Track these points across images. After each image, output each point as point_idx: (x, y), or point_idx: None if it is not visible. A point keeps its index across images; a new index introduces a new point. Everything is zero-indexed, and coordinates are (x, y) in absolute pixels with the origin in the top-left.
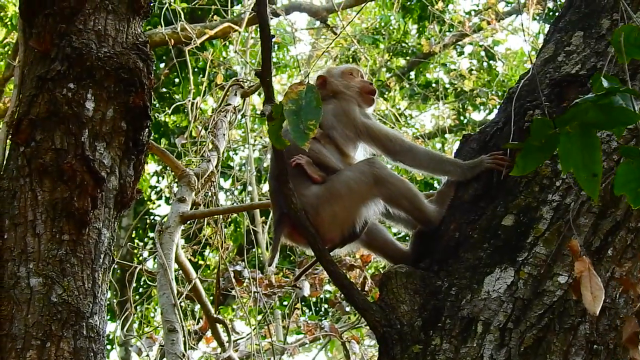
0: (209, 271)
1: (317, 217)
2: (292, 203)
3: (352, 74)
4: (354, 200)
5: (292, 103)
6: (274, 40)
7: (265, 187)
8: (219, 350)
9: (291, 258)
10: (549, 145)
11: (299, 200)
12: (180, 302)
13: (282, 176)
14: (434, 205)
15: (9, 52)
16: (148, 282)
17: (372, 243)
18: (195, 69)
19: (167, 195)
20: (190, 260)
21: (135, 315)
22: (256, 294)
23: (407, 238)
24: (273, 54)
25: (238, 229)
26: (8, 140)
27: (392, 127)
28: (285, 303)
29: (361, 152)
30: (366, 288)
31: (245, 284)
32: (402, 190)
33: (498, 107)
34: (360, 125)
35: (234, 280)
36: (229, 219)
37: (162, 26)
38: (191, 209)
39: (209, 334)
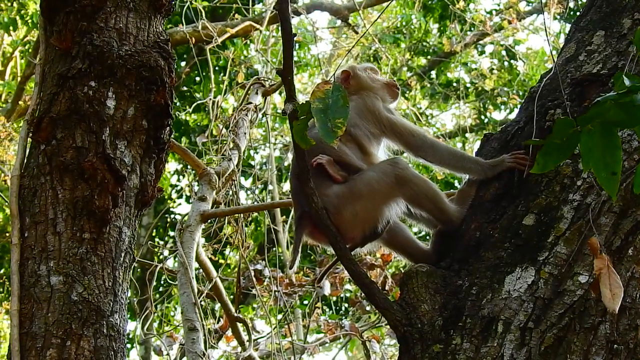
0: (229, 270)
1: (338, 217)
2: (313, 202)
3: (373, 70)
4: (375, 200)
5: (319, 102)
6: (295, 38)
7: (286, 186)
8: (239, 349)
9: (312, 257)
10: (570, 144)
11: (321, 199)
12: (201, 301)
13: (304, 175)
14: (455, 205)
15: (30, 50)
16: (168, 280)
17: (393, 242)
18: (216, 68)
19: (188, 193)
20: (210, 259)
21: (156, 314)
22: (277, 292)
23: (428, 237)
24: (294, 53)
25: (259, 228)
26: (29, 139)
27: None
28: (305, 302)
29: (383, 150)
30: (387, 287)
31: (265, 283)
32: (424, 191)
33: (519, 106)
34: (385, 120)
35: (254, 279)
36: (250, 218)
37: (183, 24)
38: (212, 207)
39: (229, 332)
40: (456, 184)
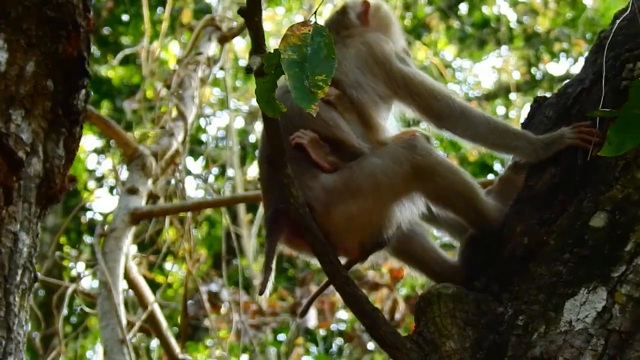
0: (171, 292)
1: (327, 218)
2: (291, 196)
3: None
4: (381, 197)
5: (293, 51)
6: None
7: (253, 172)
8: None
9: (289, 272)
10: None
11: (303, 192)
12: (131, 337)
13: (278, 157)
14: (493, 200)
15: None
16: (85, 308)
17: (405, 251)
18: (152, 2)
19: (112, 183)
20: (145, 276)
21: (67, 355)
22: (240, 324)
23: (454, 246)
24: None
25: (213, 231)
26: None
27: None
28: (281, 337)
29: (393, 121)
30: (397, 316)
31: (223, 310)
32: (452, 184)
33: (585, 57)
34: (397, 74)
35: (207, 304)
36: (201, 218)
37: None
38: (147, 203)
39: None
40: (497, 167)
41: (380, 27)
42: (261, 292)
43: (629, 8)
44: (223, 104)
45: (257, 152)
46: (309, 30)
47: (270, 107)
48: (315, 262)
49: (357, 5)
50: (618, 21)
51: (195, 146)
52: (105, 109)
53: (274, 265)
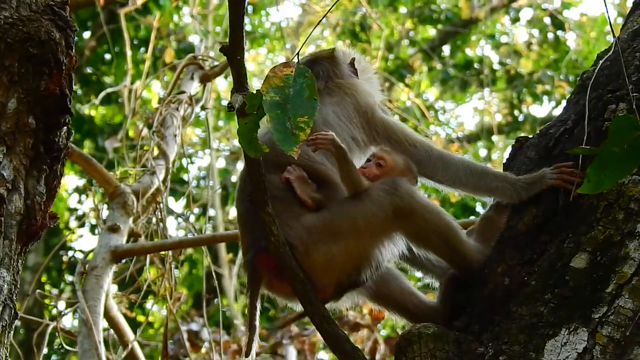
0: (152, 330)
1: (306, 258)
2: (272, 234)
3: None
4: (361, 237)
5: (276, 92)
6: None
7: (233, 212)
8: None
9: (270, 313)
10: (635, 152)
11: (283, 231)
12: None
13: (259, 196)
14: (475, 241)
15: None
16: (65, 346)
17: (383, 294)
18: (135, 41)
19: (93, 221)
20: (125, 315)
21: None
22: None
23: (430, 287)
24: (246, 20)
25: (194, 271)
26: None
27: (417, 126)
28: None
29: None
30: (377, 357)
31: (204, 350)
32: (434, 226)
33: (567, 98)
34: (379, 123)
35: (187, 343)
36: (182, 257)
37: None
38: (127, 241)
39: None
40: (479, 209)
41: (361, 77)
42: (247, 354)
43: (612, 49)
44: (205, 143)
45: (236, 192)
46: (291, 72)
47: (252, 147)
48: (295, 304)
49: (347, 58)
50: (601, 62)
51: (176, 185)
52: (87, 148)
53: (257, 311)
